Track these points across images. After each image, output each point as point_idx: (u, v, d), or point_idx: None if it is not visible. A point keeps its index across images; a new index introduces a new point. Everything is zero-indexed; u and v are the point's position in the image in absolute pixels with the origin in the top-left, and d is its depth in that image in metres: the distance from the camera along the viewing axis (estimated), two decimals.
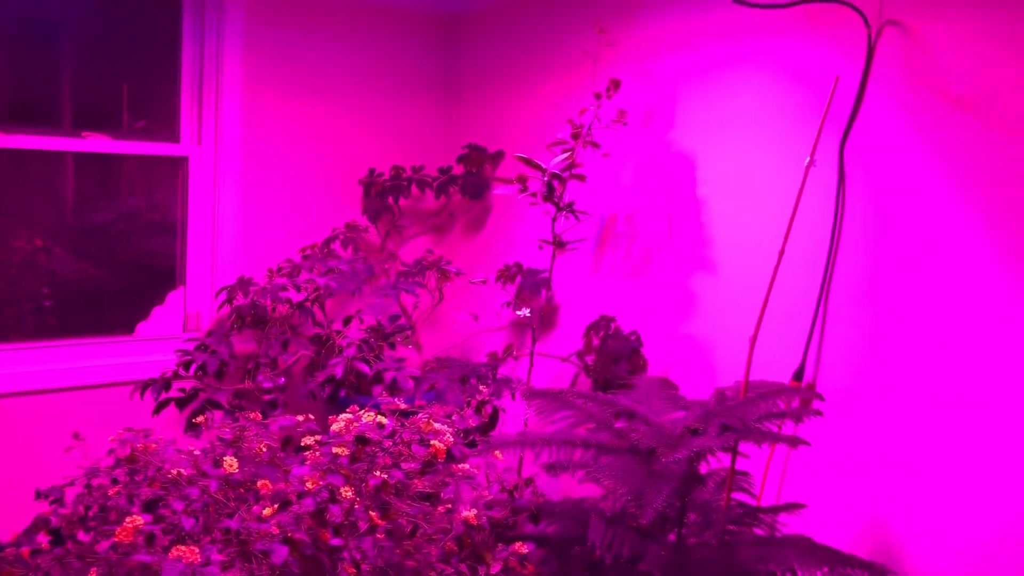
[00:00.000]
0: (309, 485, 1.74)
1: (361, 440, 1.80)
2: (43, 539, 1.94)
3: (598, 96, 2.63)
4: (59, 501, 1.95)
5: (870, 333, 2.23)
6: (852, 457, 2.26)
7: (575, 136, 2.58)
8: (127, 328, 3.11)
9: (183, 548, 1.57)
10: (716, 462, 2.08)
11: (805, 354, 2.35)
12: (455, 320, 3.36)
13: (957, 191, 2.07)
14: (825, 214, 2.33)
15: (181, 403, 2.70)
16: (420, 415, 1.93)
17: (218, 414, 2.66)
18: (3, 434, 2.71)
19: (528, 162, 2.60)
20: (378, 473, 1.76)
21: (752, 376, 2.14)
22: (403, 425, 2.00)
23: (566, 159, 2.55)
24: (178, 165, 3.13)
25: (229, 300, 2.97)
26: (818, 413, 1.92)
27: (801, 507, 2.09)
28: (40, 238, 3.02)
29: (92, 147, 2.98)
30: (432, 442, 1.85)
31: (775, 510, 2.10)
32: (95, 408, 2.87)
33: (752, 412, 1.83)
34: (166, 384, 2.69)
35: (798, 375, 2.35)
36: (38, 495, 1.98)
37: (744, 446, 2.08)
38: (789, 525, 2.12)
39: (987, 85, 2.02)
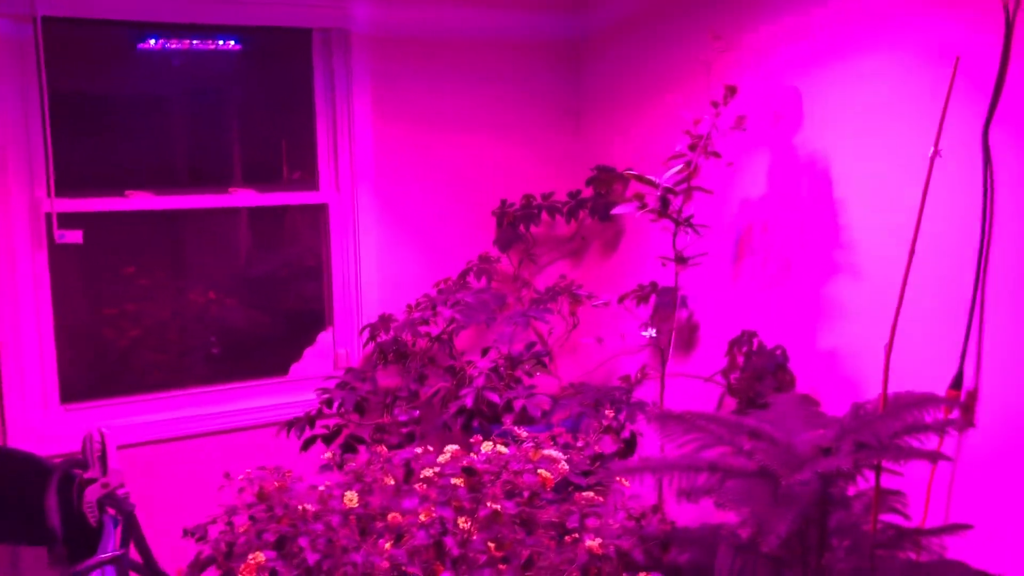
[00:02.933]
0: (423, 517, 1.74)
1: (468, 471, 1.78)
2: None
3: (715, 104, 2.53)
4: (203, 539, 2.04)
5: None
6: None
7: (692, 147, 2.49)
8: (282, 370, 3.27)
9: None
10: (864, 483, 1.91)
11: (963, 360, 2.13)
12: (587, 345, 3.31)
13: None
14: (971, 203, 2.12)
15: (327, 439, 2.80)
16: (527, 443, 1.90)
17: (362, 449, 2.73)
18: (173, 475, 2.90)
19: (640, 178, 2.53)
20: (489, 504, 1.74)
21: (906, 387, 1.95)
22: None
23: (680, 172, 2.46)
24: (319, 212, 3.27)
25: (373, 337, 3.07)
26: (969, 424, 1.73)
27: (965, 528, 1.89)
28: (212, 290, 3.24)
29: (237, 201, 3.16)
30: (539, 471, 1.81)
31: (934, 532, 1.90)
32: (251, 447, 3.02)
33: (888, 427, 1.67)
34: (310, 422, 2.79)
35: (956, 383, 2.13)
36: (185, 533, 2.09)
37: (897, 464, 1.90)
38: (952, 548, 1.91)
39: None
